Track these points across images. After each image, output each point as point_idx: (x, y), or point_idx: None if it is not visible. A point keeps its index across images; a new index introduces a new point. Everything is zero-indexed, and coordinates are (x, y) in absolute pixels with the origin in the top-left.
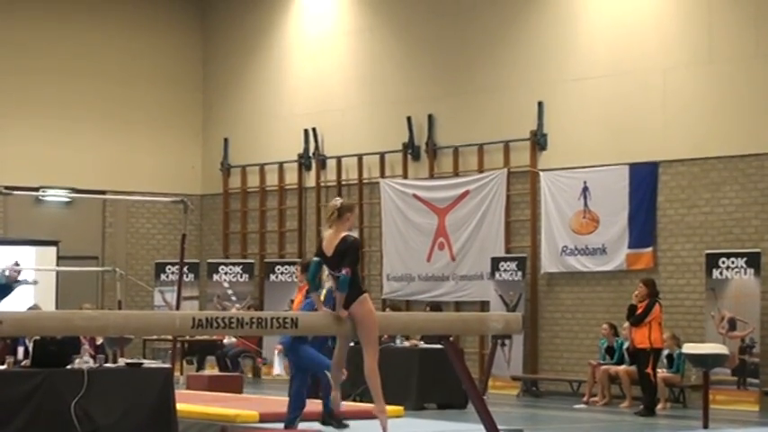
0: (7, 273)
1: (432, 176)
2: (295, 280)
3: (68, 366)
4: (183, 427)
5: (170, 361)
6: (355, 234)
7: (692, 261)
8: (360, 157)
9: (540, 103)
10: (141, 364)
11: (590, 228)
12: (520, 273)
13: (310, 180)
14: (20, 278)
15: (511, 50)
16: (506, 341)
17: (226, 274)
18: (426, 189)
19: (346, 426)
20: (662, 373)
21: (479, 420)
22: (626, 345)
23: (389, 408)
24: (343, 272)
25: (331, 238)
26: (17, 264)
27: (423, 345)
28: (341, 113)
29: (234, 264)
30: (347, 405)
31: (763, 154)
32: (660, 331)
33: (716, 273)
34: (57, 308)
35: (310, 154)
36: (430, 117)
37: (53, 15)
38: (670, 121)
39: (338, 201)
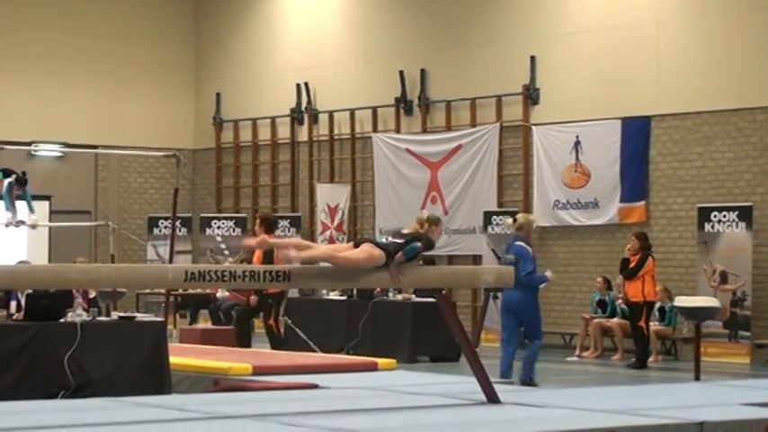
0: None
1: (424, 131)
2: (288, 234)
3: (61, 320)
4: (176, 379)
5: (163, 314)
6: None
7: (684, 215)
8: (352, 111)
9: (532, 58)
10: (134, 317)
11: (582, 182)
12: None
13: (303, 135)
14: None
15: (503, 4)
16: (499, 294)
17: (218, 228)
18: (419, 143)
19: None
20: (654, 326)
21: (472, 373)
22: (618, 299)
23: (383, 361)
24: (417, 244)
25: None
26: None
27: (415, 298)
28: (333, 68)
29: (226, 218)
30: (342, 357)
31: (755, 108)
32: (653, 284)
33: (708, 226)
34: (49, 262)
35: (302, 108)
36: (422, 71)
37: None
38: (662, 75)
39: (425, 213)
